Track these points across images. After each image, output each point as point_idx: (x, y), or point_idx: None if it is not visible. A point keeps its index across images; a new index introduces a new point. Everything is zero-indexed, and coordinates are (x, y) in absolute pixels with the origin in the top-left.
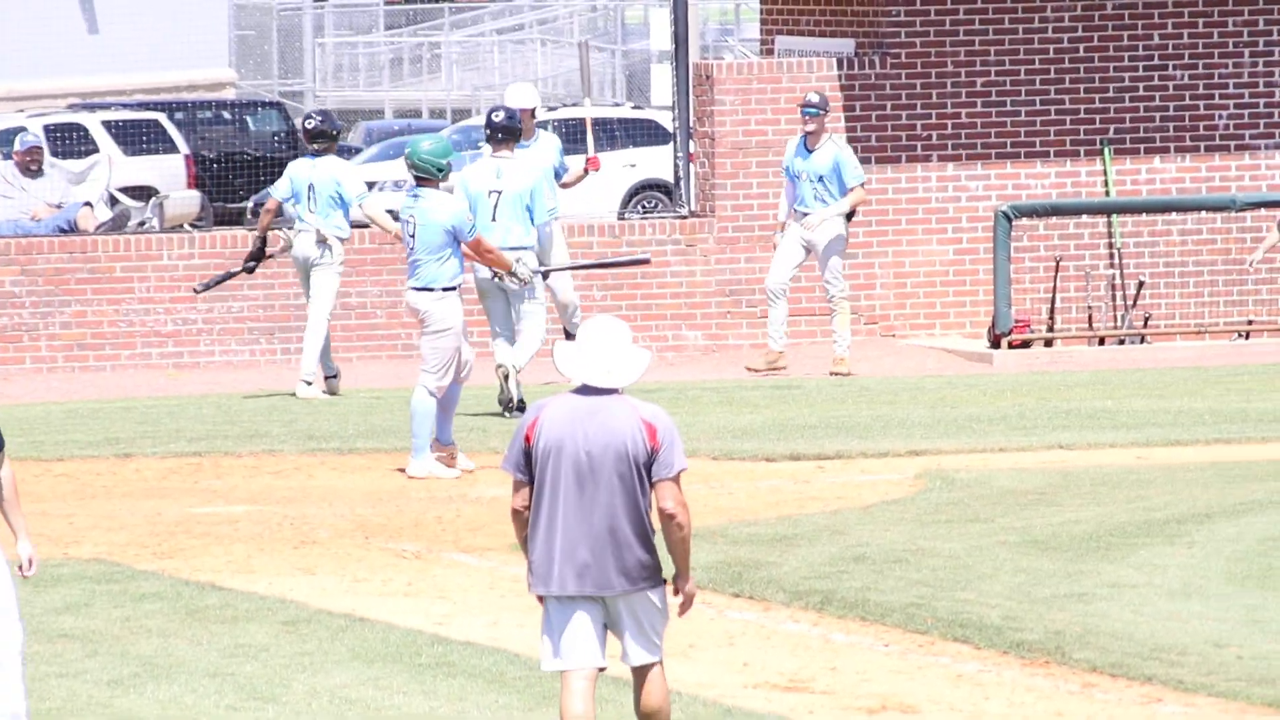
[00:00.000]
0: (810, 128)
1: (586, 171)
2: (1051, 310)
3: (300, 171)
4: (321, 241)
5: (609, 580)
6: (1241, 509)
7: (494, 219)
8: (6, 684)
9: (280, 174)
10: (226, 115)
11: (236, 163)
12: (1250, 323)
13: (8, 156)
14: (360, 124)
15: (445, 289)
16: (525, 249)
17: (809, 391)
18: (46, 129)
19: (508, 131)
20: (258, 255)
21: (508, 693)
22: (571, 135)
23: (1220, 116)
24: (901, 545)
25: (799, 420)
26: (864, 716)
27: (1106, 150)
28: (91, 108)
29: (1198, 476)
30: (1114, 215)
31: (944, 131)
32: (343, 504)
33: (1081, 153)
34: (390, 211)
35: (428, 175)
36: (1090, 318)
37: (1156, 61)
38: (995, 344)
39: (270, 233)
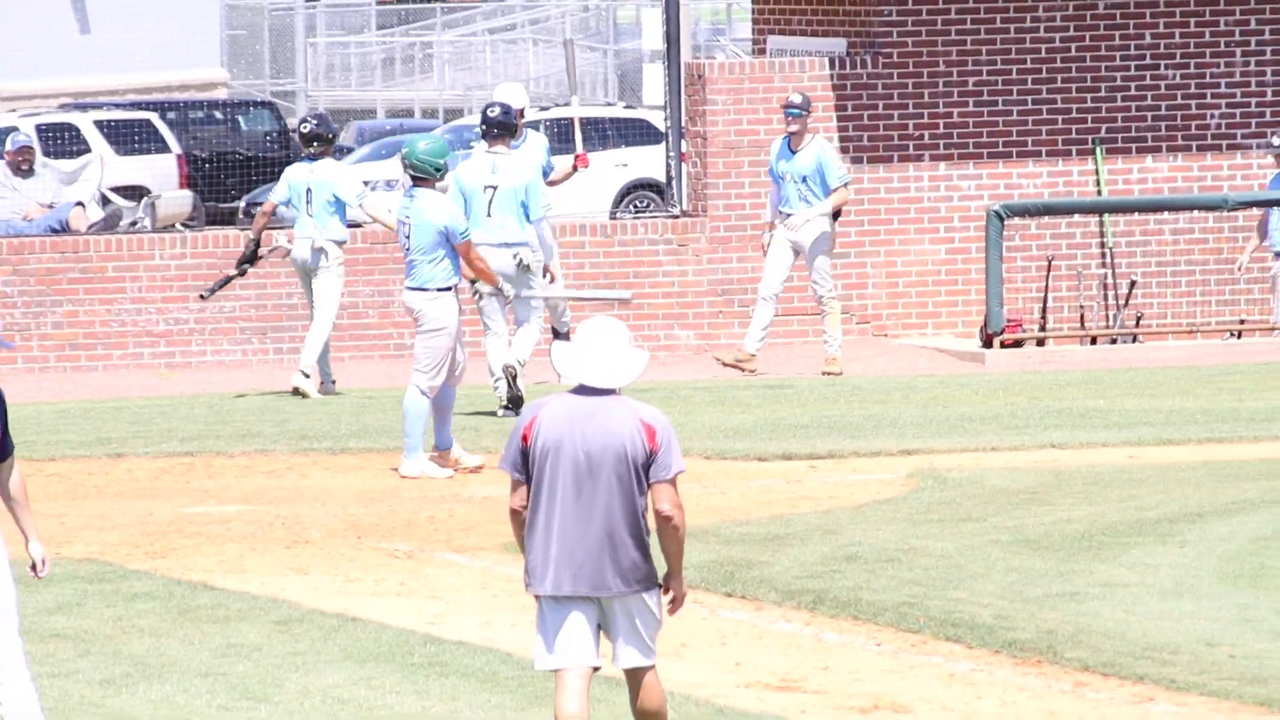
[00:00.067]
0: (794, 128)
1: (575, 169)
2: (1043, 310)
3: (297, 176)
4: (319, 250)
5: (605, 581)
6: (1233, 508)
7: (489, 214)
8: (15, 686)
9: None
10: (218, 115)
11: (228, 163)
12: (1242, 322)
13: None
14: (352, 124)
15: (440, 289)
16: (522, 245)
17: (801, 391)
18: (38, 129)
19: (503, 127)
20: (251, 257)
21: (500, 692)
22: (564, 135)
23: (1212, 116)
24: (894, 545)
25: (791, 420)
26: (856, 716)
27: (1098, 150)
28: (83, 107)
29: (1190, 476)
30: (1106, 215)
31: (936, 131)
32: (335, 504)
33: (1073, 152)
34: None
35: (424, 175)
36: (1082, 317)
37: (1148, 61)
38: (987, 343)
39: (264, 234)
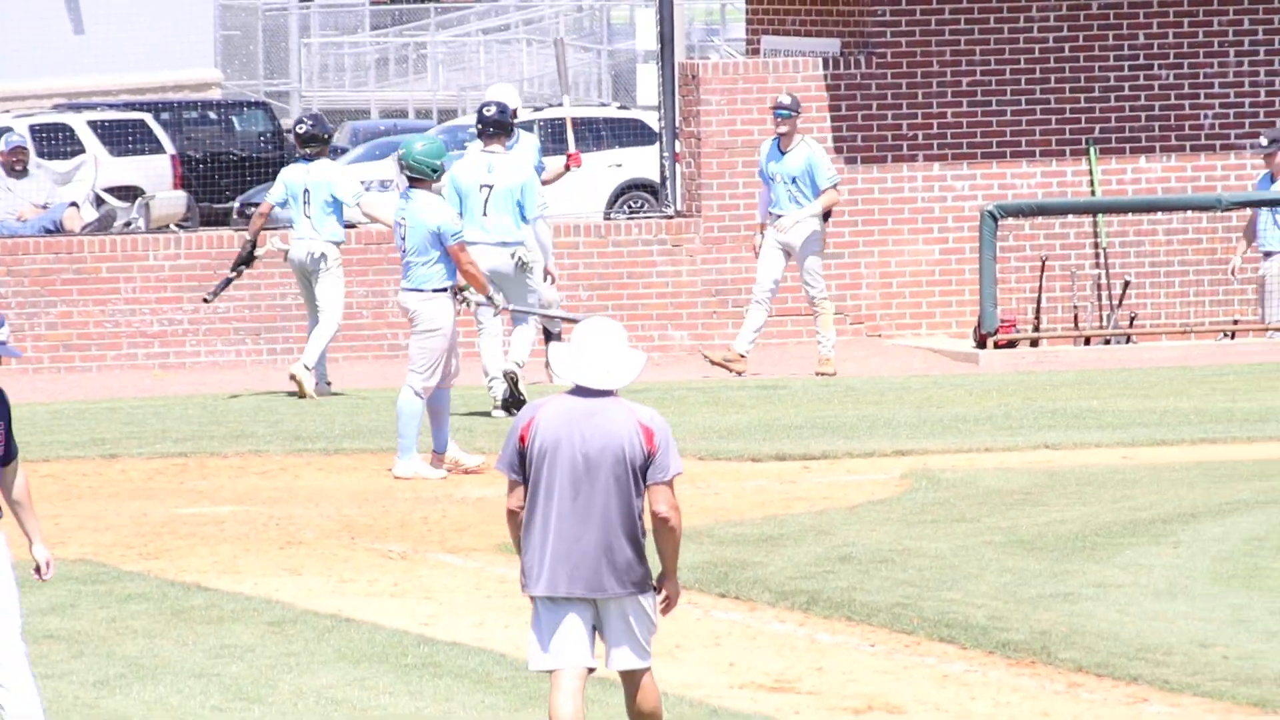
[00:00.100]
0: (783, 129)
1: (568, 168)
2: (1037, 310)
3: (294, 177)
4: (320, 256)
5: (601, 583)
6: (1227, 509)
7: (485, 213)
8: (18, 688)
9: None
10: (212, 115)
11: (222, 163)
12: (1236, 322)
13: None
14: (346, 124)
15: (436, 290)
16: (517, 244)
17: (795, 392)
18: (32, 129)
19: (499, 126)
20: (247, 258)
21: (494, 693)
22: (558, 135)
23: (1206, 116)
24: (887, 545)
25: (785, 420)
26: (850, 717)
27: (1092, 150)
28: (77, 108)
29: (1183, 476)
30: (1099, 215)
31: (930, 131)
32: (329, 504)
33: (1067, 152)
34: None
35: (421, 176)
36: (1076, 317)
37: (1142, 61)
38: (981, 344)
39: (260, 234)
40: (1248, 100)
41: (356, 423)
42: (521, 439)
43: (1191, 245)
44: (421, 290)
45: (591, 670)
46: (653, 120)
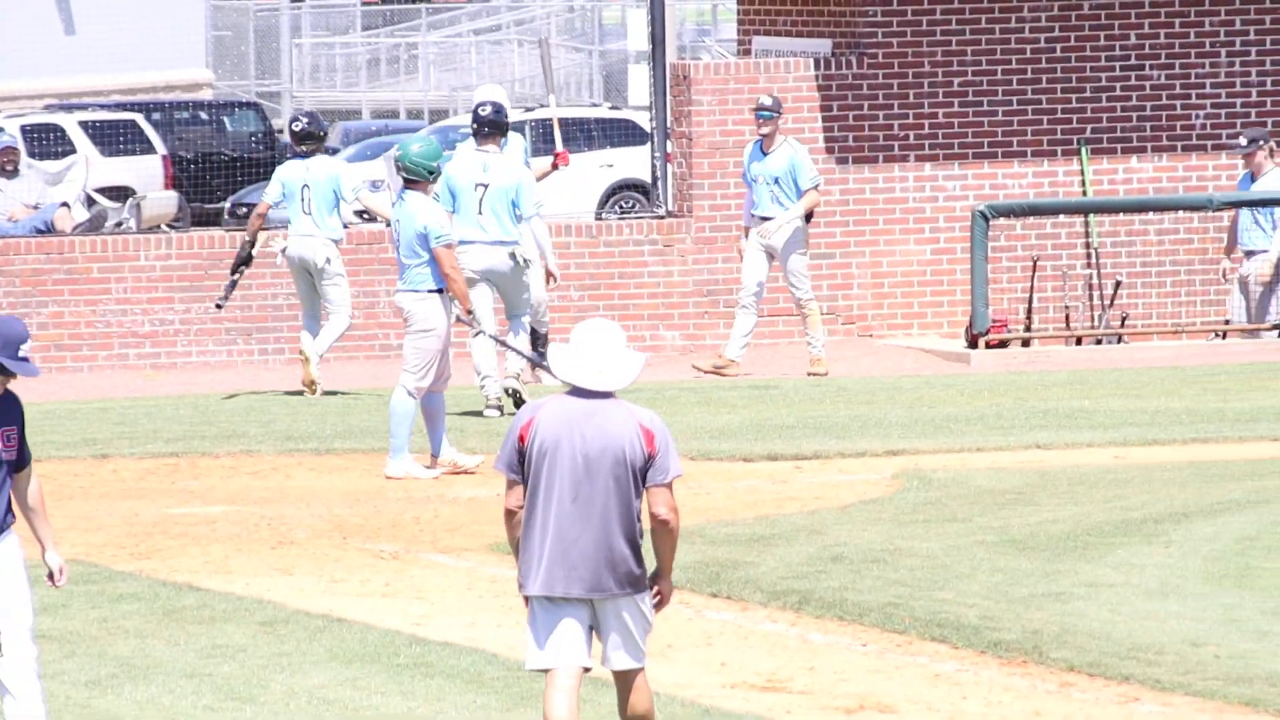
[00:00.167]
0: (765, 130)
1: (555, 167)
2: (1029, 310)
3: (292, 174)
4: (323, 264)
5: (599, 583)
6: (1219, 508)
7: (480, 212)
8: (24, 693)
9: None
10: (204, 116)
11: (214, 163)
12: (1227, 322)
13: None
14: (337, 125)
15: (430, 290)
16: (512, 243)
17: (786, 392)
18: (23, 129)
19: (494, 126)
20: (247, 259)
21: (486, 693)
22: (548, 135)
23: (1197, 116)
24: (879, 545)
25: (776, 420)
26: (842, 716)
27: (1083, 150)
28: (68, 108)
29: (1175, 476)
30: (1091, 215)
31: (921, 131)
32: (320, 504)
33: (1059, 152)
34: None
35: (417, 178)
36: (1067, 317)
37: (1133, 61)
38: (972, 344)
39: (260, 234)
40: (1239, 100)
41: (348, 423)
42: (521, 438)
43: (1183, 245)
44: (415, 291)
45: (588, 670)
46: (644, 120)
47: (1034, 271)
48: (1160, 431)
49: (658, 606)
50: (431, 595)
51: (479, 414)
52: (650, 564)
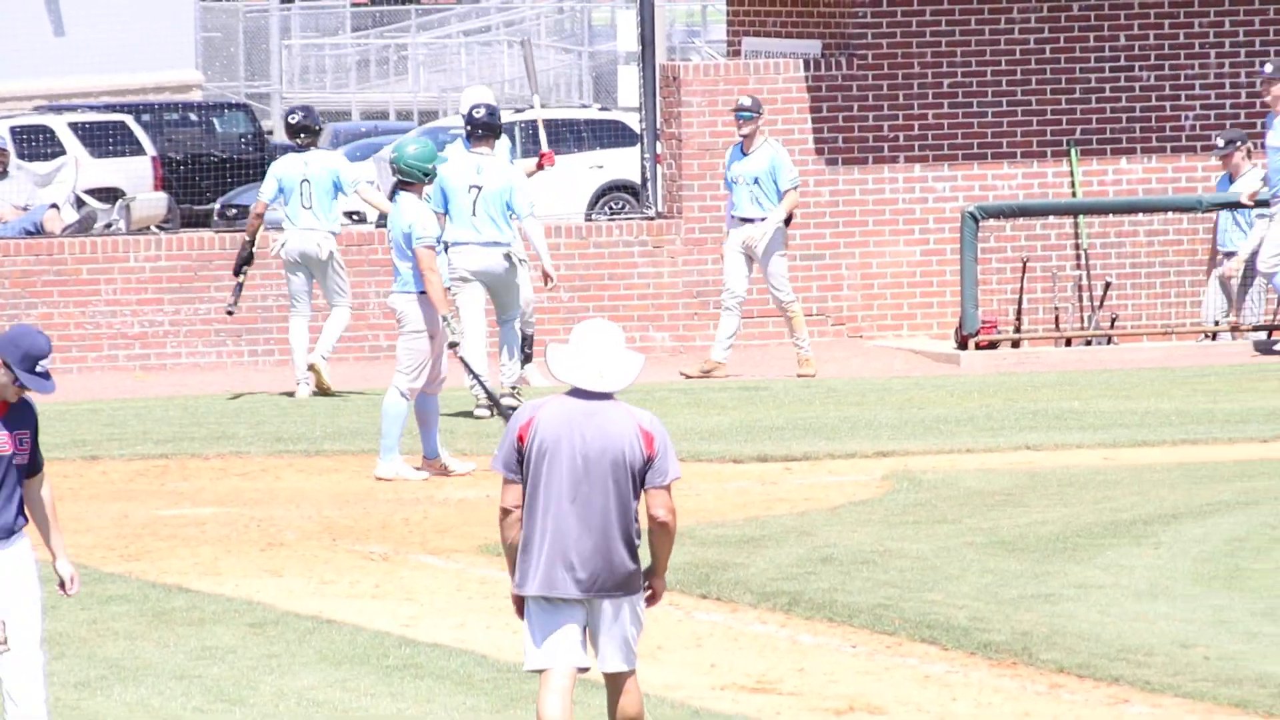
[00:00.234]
0: (745, 130)
1: (541, 166)
2: (1018, 311)
3: (289, 169)
4: (326, 259)
5: (597, 584)
6: (1208, 510)
7: (474, 214)
8: (27, 698)
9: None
10: (193, 117)
11: (203, 164)
12: (1217, 323)
13: None
14: (327, 126)
15: (423, 292)
16: (506, 245)
17: (776, 393)
18: (12, 130)
19: (488, 128)
20: (248, 258)
21: (475, 694)
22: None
23: (1186, 117)
24: (869, 546)
25: (766, 422)
26: (831, 718)
27: (1073, 151)
28: (58, 109)
29: (1164, 477)
30: (1080, 216)
31: (911, 132)
32: (310, 506)
33: (1048, 153)
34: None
35: (411, 179)
36: (1057, 318)
37: (1123, 62)
38: (962, 345)
39: (260, 234)
40: (1228, 101)
41: (338, 424)
42: (520, 438)
43: (1172, 246)
44: (408, 292)
45: (585, 670)
46: (634, 122)
47: (1023, 273)
48: (1150, 433)
49: (649, 602)
50: (421, 597)
51: (470, 414)
52: (645, 564)
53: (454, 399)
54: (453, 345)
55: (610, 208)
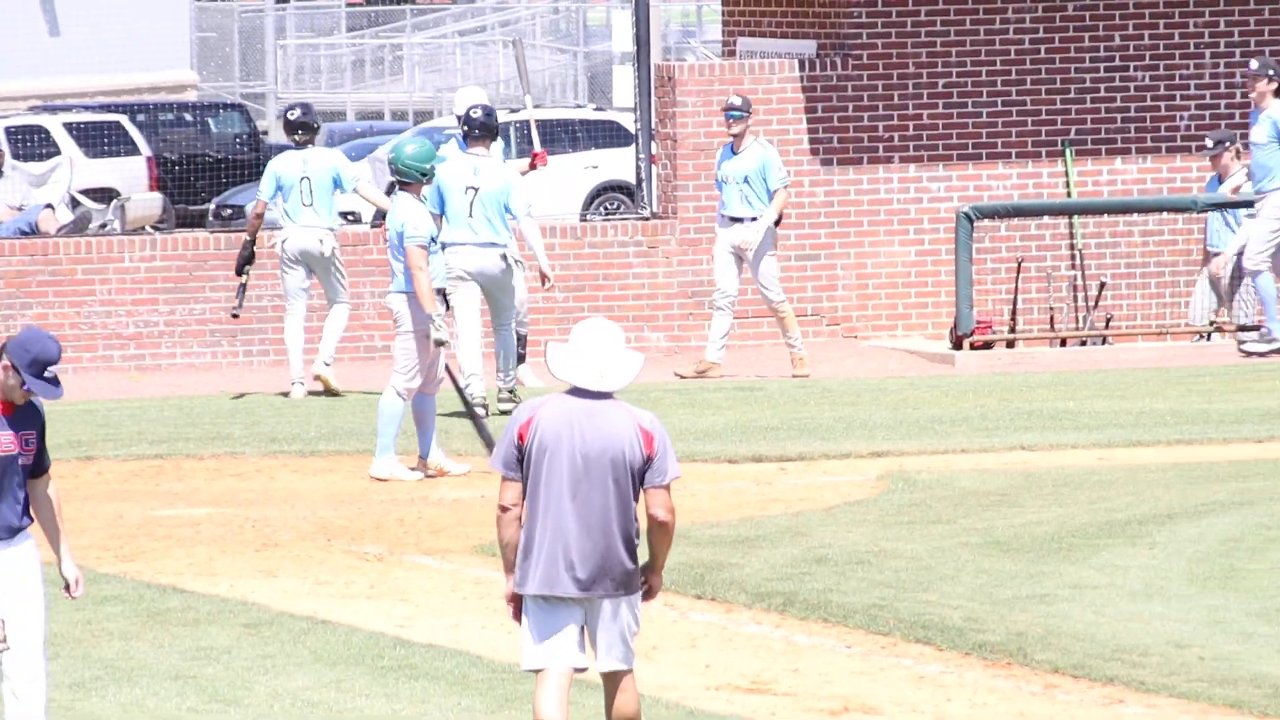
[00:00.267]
0: (735, 130)
1: (533, 166)
2: (1013, 311)
3: (288, 167)
4: (328, 256)
5: (595, 583)
6: (1203, 510)
7: (470, 215)
8: (29, 692)
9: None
10: (188, 117)
11: (198, 165)
12: (1212, 324)
13: None
14: (322, 125)
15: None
16: (503, 245)
17: (771, 393)
18: (7, 130)
19: (486, 129)
20: (250, 258)
21: (470, 695)
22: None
23: (1182, 118)
24: (863, 547)
25: (761, 422)
26: (826, 718)
27: (1068, 151)
28: (53, 110)
29: (1159, 477)
30: (1075, 216)
31: (906, 133)
32: (305, 506)
33: (1043, 154)
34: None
35: (409, 179)
36: (1052, 319)
37: (1118, 62)
38: (957, 345)
39: (260, 234)
40: (1223, 102)
41: (332, 424)
42: (520, 436)
43: (1167, 247)
44: (405, 292)
45: (582, 670)
46: (629, 122)
47: (1018, 273)
48: (1145, 433)
49: (645, 597)
50: (416, 597)
51: (462, 414)
52: (643, 561)
53: (447, 399)
54: (439, 343)
55: (605, 208)
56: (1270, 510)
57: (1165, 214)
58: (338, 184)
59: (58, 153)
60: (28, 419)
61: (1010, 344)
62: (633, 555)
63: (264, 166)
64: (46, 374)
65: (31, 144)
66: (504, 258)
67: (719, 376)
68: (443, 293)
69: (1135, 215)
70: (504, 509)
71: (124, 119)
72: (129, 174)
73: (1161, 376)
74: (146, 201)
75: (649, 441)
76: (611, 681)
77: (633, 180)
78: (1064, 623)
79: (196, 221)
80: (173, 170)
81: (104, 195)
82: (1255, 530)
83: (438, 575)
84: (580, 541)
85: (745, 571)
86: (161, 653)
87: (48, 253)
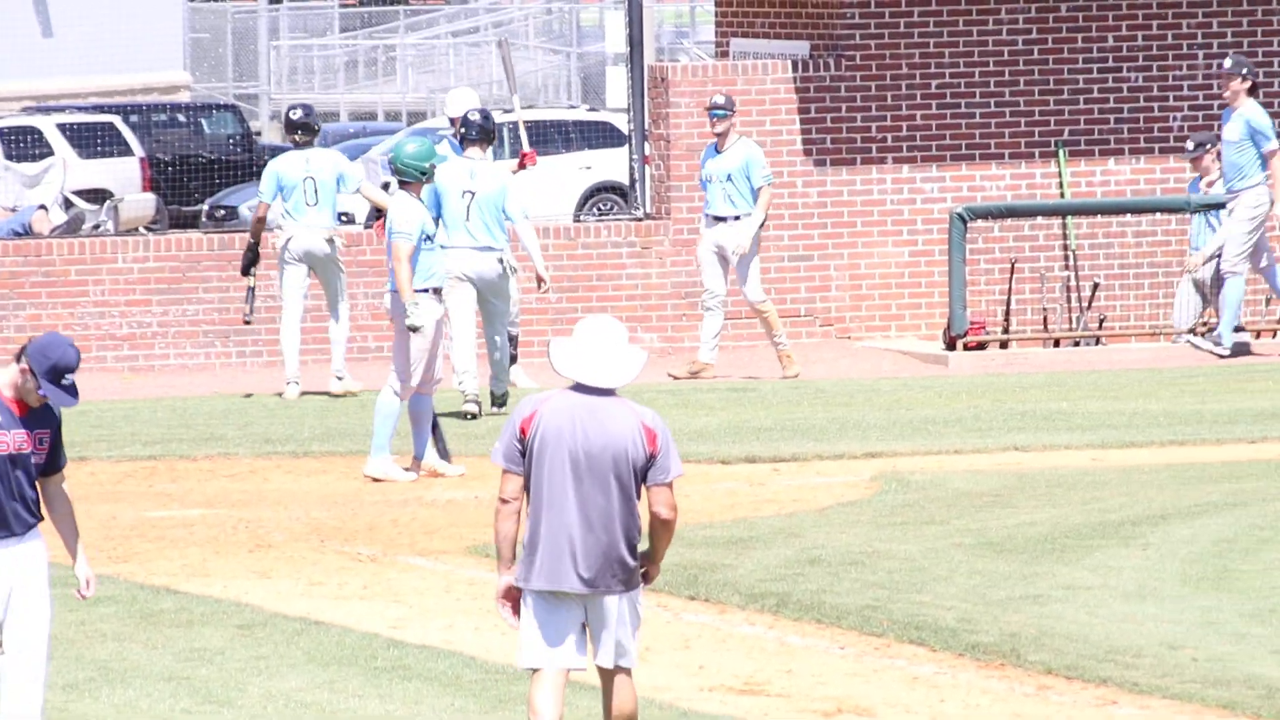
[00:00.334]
0: (719, 128)
1: (522, 165)
2: (1007, 312)
3: (291, 168)
4: (331, 243)
5: (597, 579)
6: (1196, 511)
7: (467, 218)
8: (25, 692)
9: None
10: (181, 118)
11: (192, 165)
12: (1205, 324)
13: None
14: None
15: (415, 291)
16: (499, 249)
17: (764, 394)
18: (1, 132)
19: (483, 132)
20: (255, 259)
21: (464, 696)
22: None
23: (1174, 118)
24: (857, 547)
25: (755, 423)
26: (819, 719)
27: (1061, 152)
28: (46, 110)
29: (1152, 478)
30: (1069, 217)
31: (899, 133)
32: (298, 507)
33: (1036, 154)
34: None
35: (409, 178)
36: (1045, 319)
37: (1111, 63)
38: (950, 346)
39: (264, 234)
40: (1216, 103)
41: (326, 425)
42: (522, 431)
43: (1161, 247)
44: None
45: (580, 669)
46: (622, 123)
47: (1012, 273)
48: (1138, 433)
49: (643, 580)
50: (409, 598)
51: (460, 415)
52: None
53: (442, 399)
54: (413, 329)
55: (598, 209)
56: (1263, 511)
57: (1158, 215)
58: (340, 184)
59: (51, 153)
60: (43, 418)
61: (1004, 345)
62: (634, 551)
63: (257, 167)
64: (64, 381)
65: (25, 145)
66: (501, 261)
67: (712, 377)
68: (438, 291)
69: (1128, 216)
70: (504, 501)
71: (117, 120)
72: (122, 175)
73: (1155, 377)
74: (140, 202)
75: (652, 439)
76: (610, 679)
77: (626, 181)
78: (1057, 624)
79: (190, 222)
80: (166, 171)
81: (97, 196)
82: (1249, 531)
83: (431, 576)
84: (584, 538)
85: (739, 572)
86: (155, 654)
87: (41, 254)
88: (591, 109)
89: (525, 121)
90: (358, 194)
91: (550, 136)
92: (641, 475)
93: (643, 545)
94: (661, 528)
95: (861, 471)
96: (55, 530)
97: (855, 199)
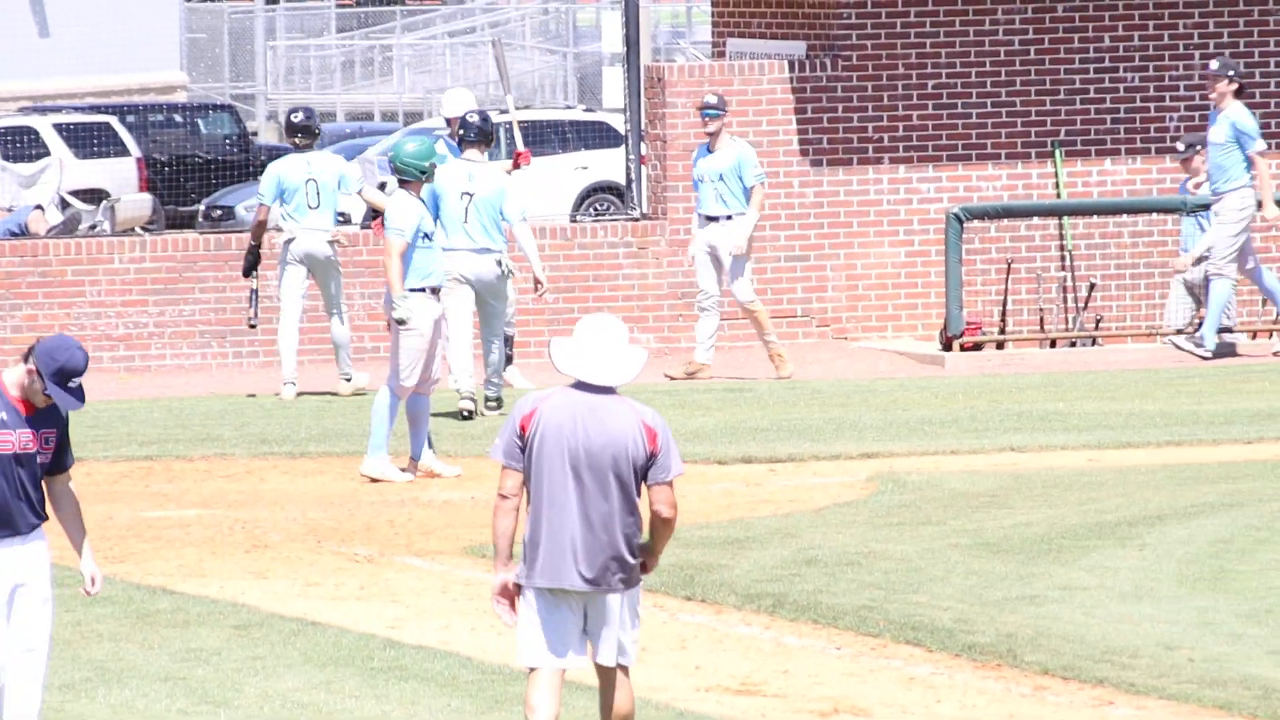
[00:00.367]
0: (711, 128)
1: (517, 165)
2: (1003, 312)
3: (292, 170)
4: (333, 242)
5: (597, 577)
6: (1193, 511)
7: (466, 220)
8: (24, 692)
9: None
10: (178, 118)
11: (188, 166)
12: (1195, 326)
13: None
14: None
15: (412, 289)
16: (497, 251)
17: (761, 394)
18: None
19: (482, 134)
20: (256, 260)
21: (460, 696)
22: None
23: (1171, 119)
24: (853, 548)
25: (751, 423)
26: (816, 719)
27: (1058, 152)
28: (43, 110)
29: (1149, 479)
30: (1065, 217)
31: (895, 134)
32: (294, 508)
33: (1033, 155)
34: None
35: (409, 177)
36: (1042, 320)
37: (1107, 63)
38: (947, 346)
39: (266, 235)
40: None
41: (322, 425)
42: (522, 428)
43: (1157, 248)
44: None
45: (579, 668)
46: (618, 123)
47: (1008, 274)
48: (1134, 434)
49: (640, 570)
50: (406, 599)
51: (456, 415)
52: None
53: (439, 399)
54: (400, 321)
55: (595, 209)
56: (1260, 511)
57: (1155, 215)
58: (341, 186)
59: (47, 154)
60: (49, 418)
61: (1000, 345)
62: (633, 549)
63: (253, 167)
64: (71, 384)
65: (21, 145)
66: (499, 263)
67: (708, 377)
68: (436, 291)
69: (1125, 216)
70: (503, 497)
71: (113, 120)
72: (118, 175)
73: (1151, 378)
74: (136, 202)
75: (652, 437)
76: (609, 677)
77: (622, 181)
78: (1054, 624)
79: (186, 223)
80: (162, 171)
81: (93, 196)
82: (1245, 532)
83: (428, 577)
84: (584, 536)
85: (735, 573)
86: (151, 654)
87: (37, 254)
88: (588, 109)
89: (520, 121)
90: (358, 195)
91: (547, 137)
92: (642, 474)
93: (642, 540)
94: (662, 526)
95: (858, 472)
96: (62, 528)
97: (851, 199)
